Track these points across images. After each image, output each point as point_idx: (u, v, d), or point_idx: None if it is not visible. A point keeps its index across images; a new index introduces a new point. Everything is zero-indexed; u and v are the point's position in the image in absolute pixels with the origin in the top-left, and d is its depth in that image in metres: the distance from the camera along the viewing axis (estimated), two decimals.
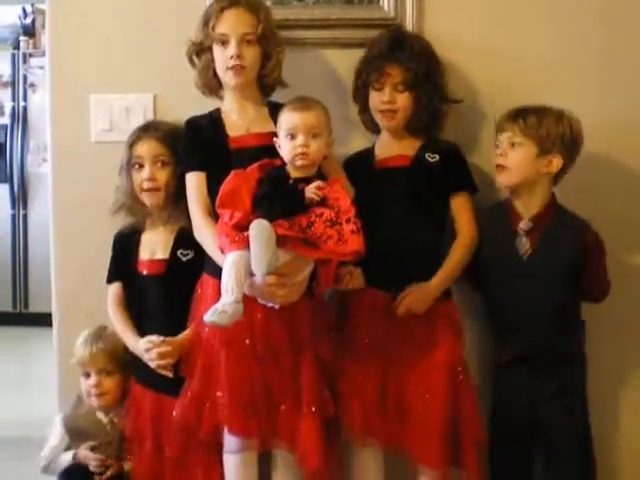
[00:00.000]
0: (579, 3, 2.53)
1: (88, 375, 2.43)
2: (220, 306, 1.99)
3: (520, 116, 2.29)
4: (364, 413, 2.28)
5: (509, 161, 2.31)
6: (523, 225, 2.33)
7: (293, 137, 2.13)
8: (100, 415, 2.44)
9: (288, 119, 2.15)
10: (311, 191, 2.07)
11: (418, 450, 2.27)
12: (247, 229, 2.00)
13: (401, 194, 2.33)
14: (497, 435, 2.38)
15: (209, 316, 1.99)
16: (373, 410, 2.28)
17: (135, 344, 2.33)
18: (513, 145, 2.30)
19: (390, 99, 2.31)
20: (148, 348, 2.26)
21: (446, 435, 2.25)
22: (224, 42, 2.23)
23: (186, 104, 2.39)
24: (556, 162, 2.29)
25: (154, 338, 2.26)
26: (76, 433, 2.43)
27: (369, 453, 2.36)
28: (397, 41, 2.36)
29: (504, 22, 2.54)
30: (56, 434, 2.45)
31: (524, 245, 2.33)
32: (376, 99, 2.35)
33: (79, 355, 2.43)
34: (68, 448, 2.41)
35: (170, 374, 2.26)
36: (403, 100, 2.32)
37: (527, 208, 2.34)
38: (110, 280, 2.47)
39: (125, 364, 2.44)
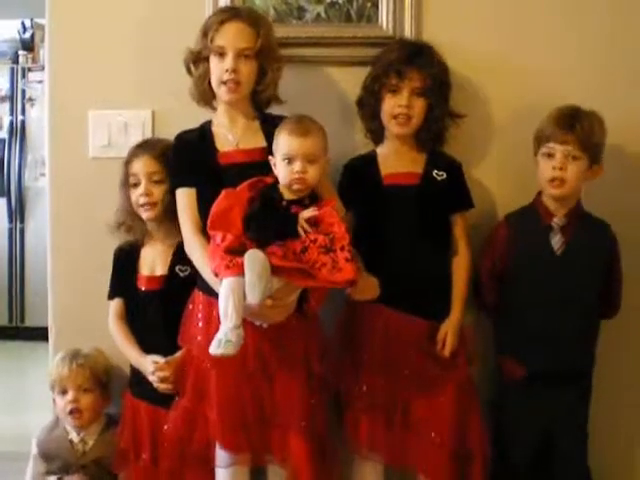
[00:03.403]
0: (581, 8, 2.54)
1: (65, 392, 2.45)
2: (223, 336, 1.97)
3: (576, 123, 2.25)
4: (372, 429, 2.29)
5: (568, 174, 2.27)
6: (558, 220, 2.33)
7: (290, 162, 2.09)
8: (72, 435, 2.46)
9: (286, 143, 2.11)
10: (303, 227, 2.03)
11: (425, 465, 2.29)
12: (240, 252, 1.99)
13: (411, 212, 2.34)
14: (506, 457, 2.37)
15: (215, 349, 1.96)
16: (381, 426, 2.29)
17: (138, 359, 2.36)
18: (573, 158, 2.26)
19: (408, 103, 2.32)
20: (152, 371, 2.29)
21: (454, 450, 2.27)
22: (221, 54, 2.21)
23: (185, 120, 2.38)
24: (599, 171, 2.31)
25: (157, 359, 2.30)
26: (49, 457, 2.46)
27: (370, 467, 2.36)
28: (416, 49, 2.38)
29: (502, 39, 2.56)
30: (32, 459, 2.50)
31: (558, 241, 2.33)
32: (392, 103, 2.34)
33: (57, 373, 2.46)
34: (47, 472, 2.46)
35: (170, 391, 2.29)
36: (419, 105, 2.33)
37: (560, 208, 2.34)
38: (111, 296, 2.48)
39: (103, 384, 2.48)
